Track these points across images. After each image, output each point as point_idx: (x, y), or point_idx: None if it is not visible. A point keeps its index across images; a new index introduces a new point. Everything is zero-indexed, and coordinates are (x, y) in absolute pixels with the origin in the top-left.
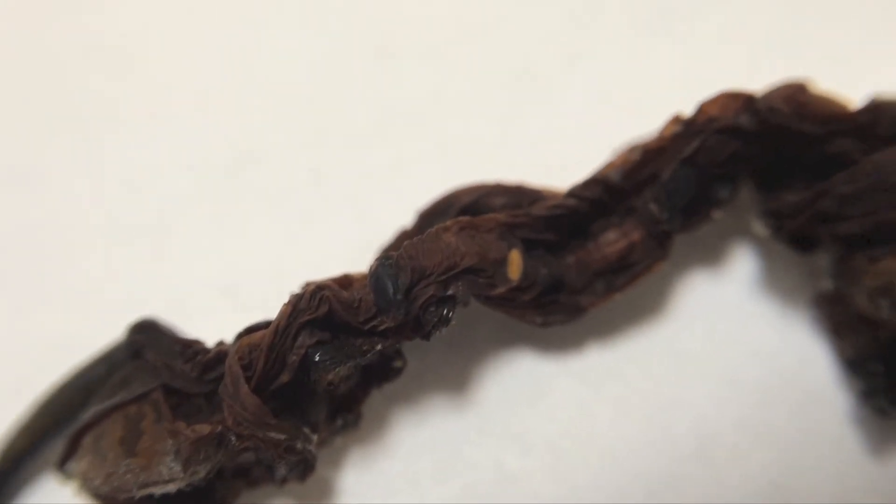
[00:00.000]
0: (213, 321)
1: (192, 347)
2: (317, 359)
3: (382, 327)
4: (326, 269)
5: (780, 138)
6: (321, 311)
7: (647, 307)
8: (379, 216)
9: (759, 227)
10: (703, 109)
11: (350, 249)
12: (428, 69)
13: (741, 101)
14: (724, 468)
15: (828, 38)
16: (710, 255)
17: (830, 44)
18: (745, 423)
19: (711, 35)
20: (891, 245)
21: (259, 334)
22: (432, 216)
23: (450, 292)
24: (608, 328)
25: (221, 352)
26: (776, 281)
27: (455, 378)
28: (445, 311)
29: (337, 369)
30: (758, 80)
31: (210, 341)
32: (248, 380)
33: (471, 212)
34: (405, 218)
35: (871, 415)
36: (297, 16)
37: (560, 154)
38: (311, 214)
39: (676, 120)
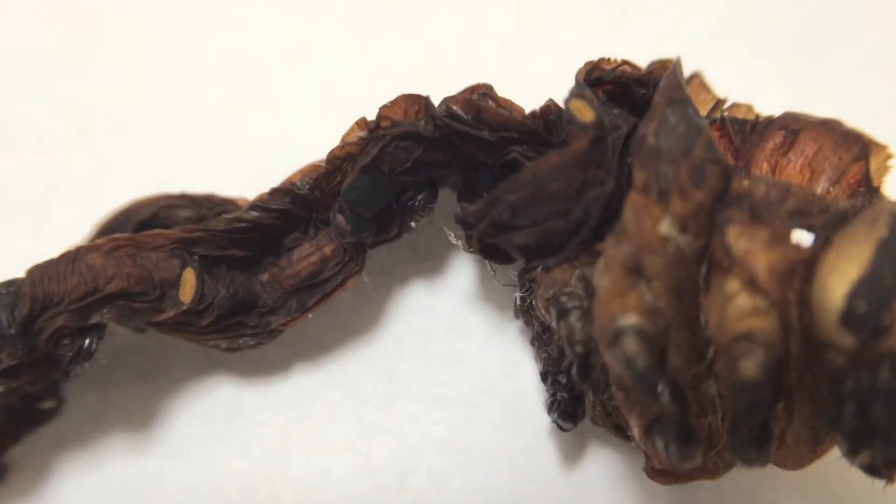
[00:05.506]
0: None
1: None
2: None
3: (1, 367)
4: None
5: (462, 145)
6: None
7: (362, 324)
8: (66, 229)
9: (453, 237)
10: (382, 113)
11: (25, 268)
12: (135, 62)
13: (420, 106)
14: (422, 493)
15: (580, 40)
16: (430, 265)
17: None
18: (446, 444)
19: (448, 29)
20: (560, 255)
21: None
22: (109, 231)
23: (93, 321)
24: (317, 350)
25: None
26: (489, 291)
27: (143, 413)
28: (87, 343)
29: None
30: (494, 75)
31: None
32: None
33: (151, 225)
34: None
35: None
36: None
37: (284, 157)
38: None
39: (360, 124)
